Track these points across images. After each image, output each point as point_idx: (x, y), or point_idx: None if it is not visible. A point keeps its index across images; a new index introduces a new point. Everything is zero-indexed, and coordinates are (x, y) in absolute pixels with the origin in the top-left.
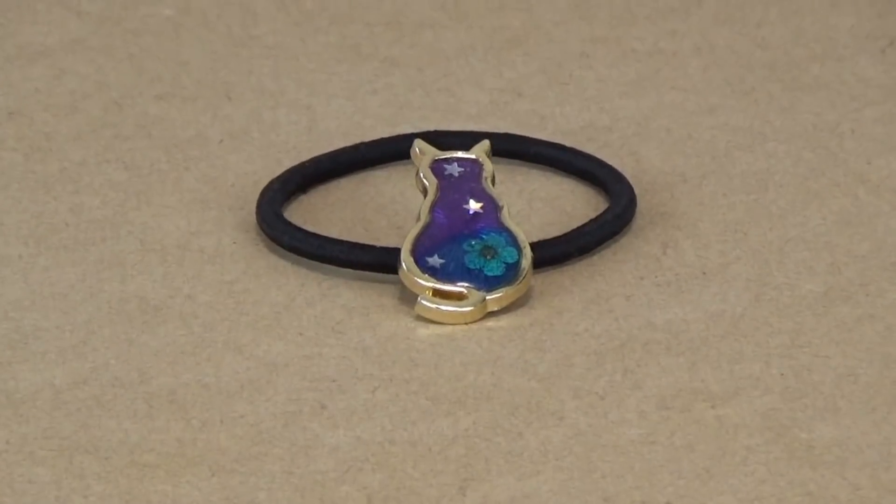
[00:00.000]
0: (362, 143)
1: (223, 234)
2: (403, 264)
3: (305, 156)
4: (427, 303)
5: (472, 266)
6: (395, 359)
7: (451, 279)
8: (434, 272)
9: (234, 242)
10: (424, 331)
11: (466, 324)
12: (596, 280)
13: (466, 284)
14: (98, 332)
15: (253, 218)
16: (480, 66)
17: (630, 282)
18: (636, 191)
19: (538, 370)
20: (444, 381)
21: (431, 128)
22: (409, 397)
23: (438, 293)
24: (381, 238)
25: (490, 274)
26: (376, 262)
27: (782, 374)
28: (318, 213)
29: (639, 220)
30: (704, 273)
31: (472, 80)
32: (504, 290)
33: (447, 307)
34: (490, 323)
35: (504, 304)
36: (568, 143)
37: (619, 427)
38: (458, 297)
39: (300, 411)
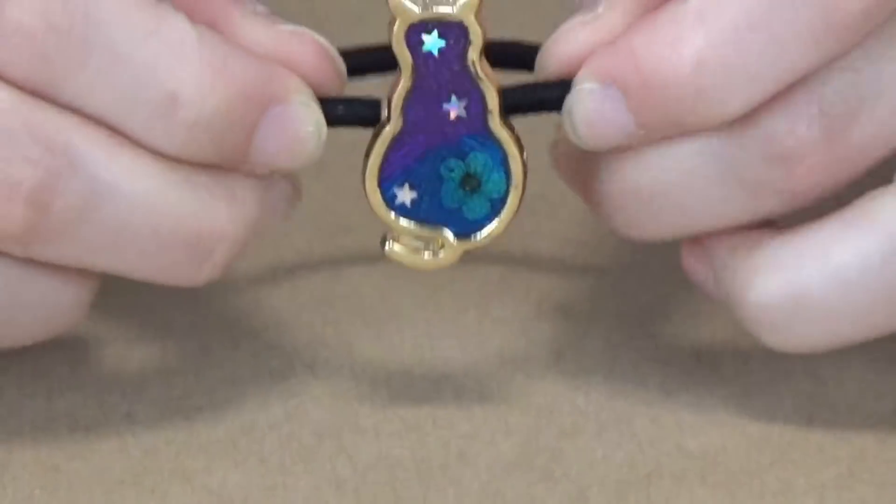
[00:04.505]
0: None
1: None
2: (368, 196)
3: None
4: (394, 247)
5: (449, 204)
6: (375, 492)
7: (428, 219)
8: (405, 212)
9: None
10: (410, 461)
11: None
12: (615, 398)
13: (443, 227)
14: (17, 456)
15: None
16: None
17: (656, 399)
18: None
19: None
20: None
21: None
22: None
23: (410, 234)
24: None
25: (471, 217)
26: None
27: None
28: None
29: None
30: (746, 392)
31: None
32: (488, 229)
33: (420, 256)
34: (490, 450)
35: (487, 243)
36: None
37: None
38: (432, 241)
39: None
